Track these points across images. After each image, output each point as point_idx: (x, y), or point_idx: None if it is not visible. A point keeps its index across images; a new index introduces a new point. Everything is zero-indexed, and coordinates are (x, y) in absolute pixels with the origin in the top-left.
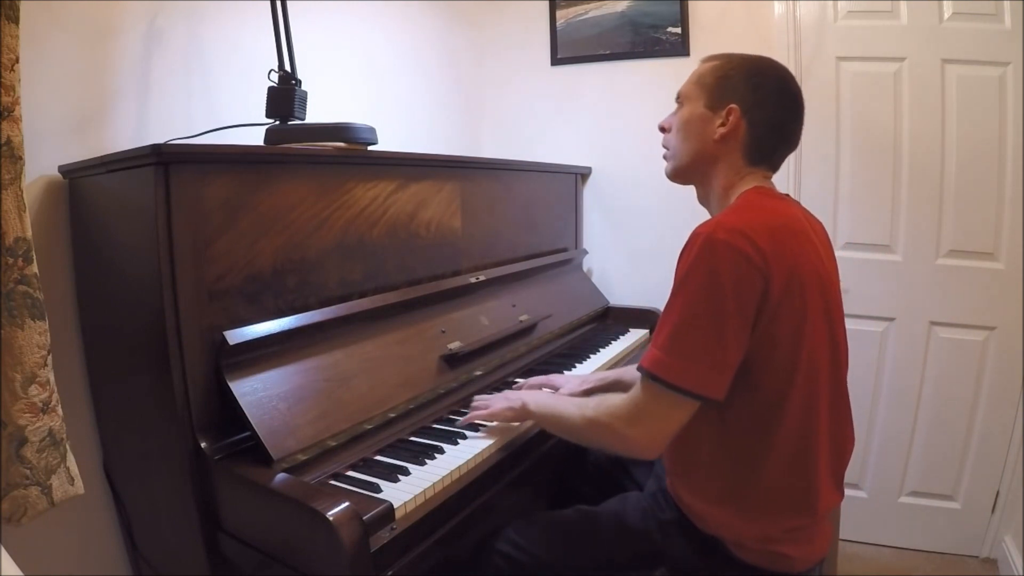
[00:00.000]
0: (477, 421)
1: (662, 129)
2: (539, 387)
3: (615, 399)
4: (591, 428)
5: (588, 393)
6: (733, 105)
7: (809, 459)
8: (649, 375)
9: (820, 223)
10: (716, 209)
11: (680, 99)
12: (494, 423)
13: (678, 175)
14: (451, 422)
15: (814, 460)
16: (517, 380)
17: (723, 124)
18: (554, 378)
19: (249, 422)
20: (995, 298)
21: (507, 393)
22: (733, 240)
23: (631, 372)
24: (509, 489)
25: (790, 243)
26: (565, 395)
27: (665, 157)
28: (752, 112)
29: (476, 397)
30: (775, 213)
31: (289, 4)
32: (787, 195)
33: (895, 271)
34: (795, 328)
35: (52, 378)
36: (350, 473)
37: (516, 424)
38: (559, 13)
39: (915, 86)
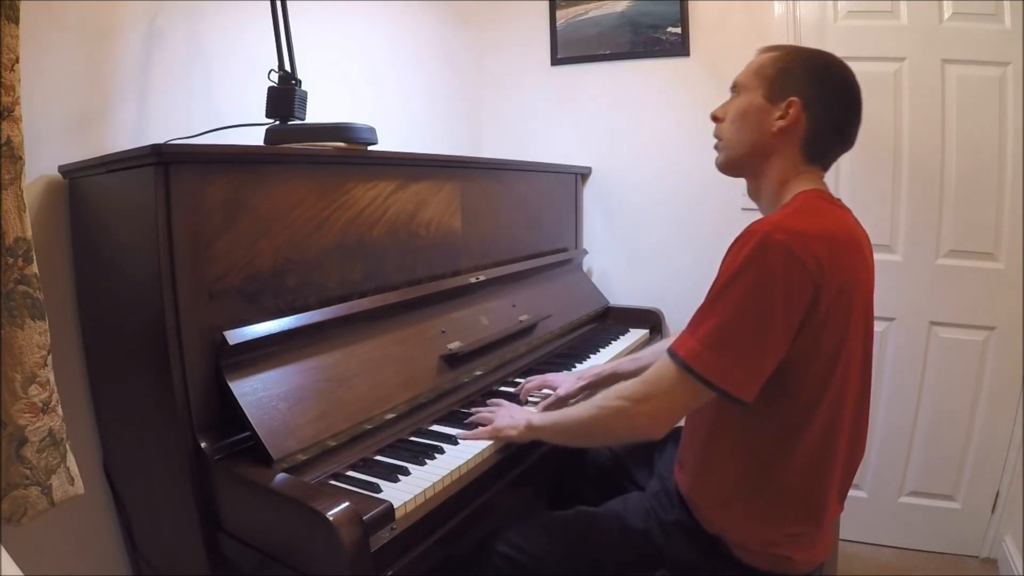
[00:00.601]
0: (480, 437)
1: (715, 118)
2: (538, 388)
3: (626, 383)
4: (600, 416)
5: (585, 388)
6: (794, 98)
7: (825, 470)
8: (684, 365)
9: (866, 232)
10: (768, 204)
11: (736, 88)
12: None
13: (731, 166)
14: (451, 422)
15: (830, 472)
16: (518, 380)
17: (782, 117)
18: (551, 378)
19: (249, 422)
20: (995, 298)
21: (511, 409)
22: (791, 244)
23: (625, 365)
24: (509, 489)
25: (845, 254)
26: (563, 394)
27: (717, 148)
28: (814, 107)
29: (475, 410)
30: (834, 221)
31: (289, 4)
32: (841, 201)
33: (895, 271)
34: (837, 341)
35: (52, 378)
36: (350, 473)
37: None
38: (559, 13)
39: (915, 86)
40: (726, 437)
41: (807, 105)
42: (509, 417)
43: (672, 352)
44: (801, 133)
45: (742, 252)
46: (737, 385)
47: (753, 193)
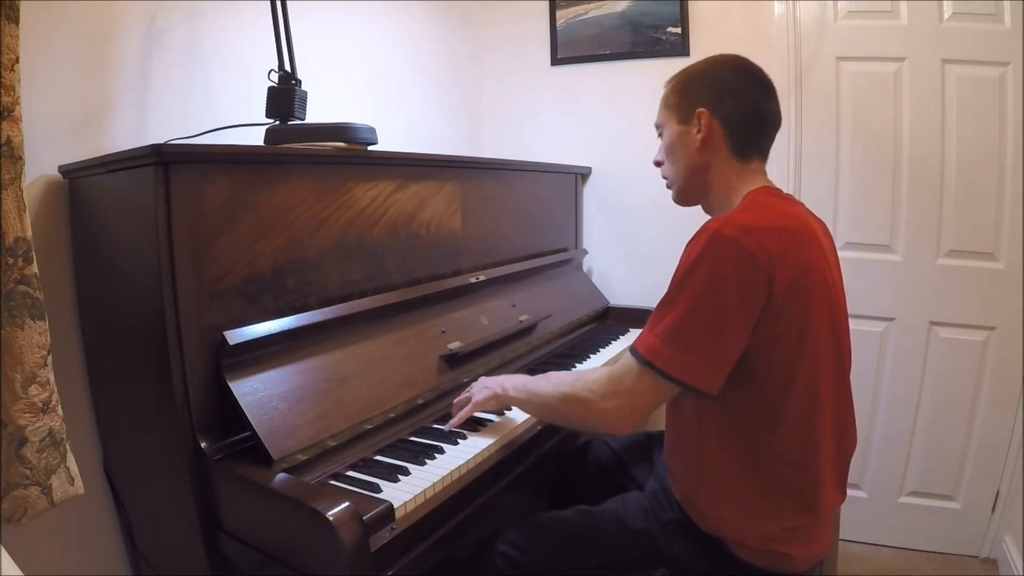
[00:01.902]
0: (466, 416)
1: (657, 163)
2: None
3: (593, 374)
4: (567, 403)
5: None
6: (700, 108)
7: (811, 458)
8: (644, 361)
9: (822, 223)
10: (722, 212)
11: (659, 128)
12: (492, 417)
13: (683, 196)
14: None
15: (816, 459)
16: None
17: (699, 131)
18: (551, 375)
19: (249, 422)
20: (995, 298)
21: (485, 380)
22: (740, 238)
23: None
24: (509, 489)
25: (797, 244)
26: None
27: (668, 187)
28: (719, 107)
29: (462, 395)
30: (783, 214)
31: (289, 4)
32: (792, 196)
33: (895, 271)
34: (799, 329)
35: (52, 378)
36: (350, 473)
37: (516, 423)
38: (559, 13)
39: (915, 86)
40: (711, 435)
41: (713, 108)
42: (484, 388)
43: (633, 349)
44: (722, 135)
45: (695, 249)
46: (699, 377)
47: (708, 210)
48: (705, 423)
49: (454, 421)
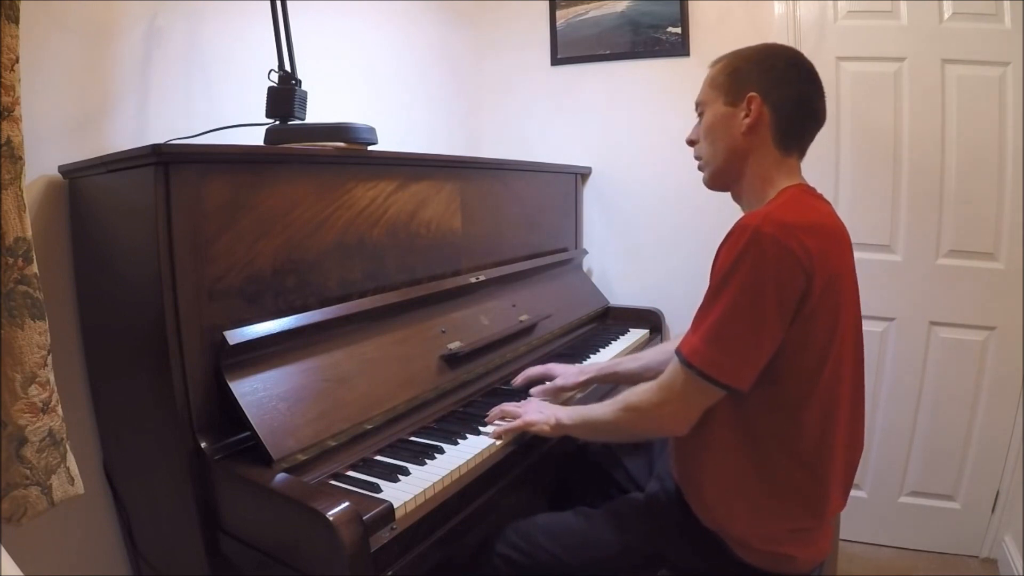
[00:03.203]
0: (510, 431)
1: (690, 143)
2: (540, 375)
3: (643, 385)
4: (625, 412)
5: (587, 383)
6: (752, 93)
7: (824, 462)
8: (686, 362)
9: (845, 228)
10: (753, 204)
11: (700, 107)
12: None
13: (715, 180)
14: (451, 422)
15: (829, 462)
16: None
17: (747, 115)
18: (552, 367)
19: (249, 422)
20: (995, 298)
21: (538, 404)
22: (781, 236)
23: (626, 364)
24: (509, 489)
25: (832, 244)
26: (560, 384)
27: (700, 168)
28: (772, 94)
29: (509, 405)
30: (820, 213)
31: (289, 4)
32: (823, 196)
33: (895, 271)
34: (828, 331)
35: (52, 378)
36: (350, 473)
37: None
38: (559, 13)
39: (915, 86)
40: (724, 431)
41: (766, 95)
42: (539, 412)
43: (678, 351)
44: (769, 124)
45: (735, 247)
46: (734, 376)
47: (738, 198)
48: (718, 418)
49: (501, 428)
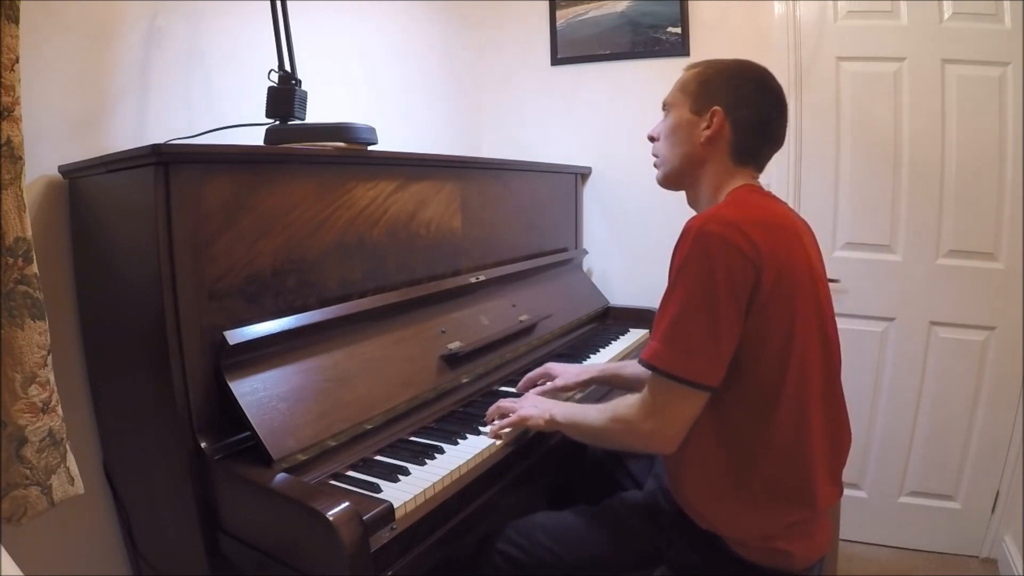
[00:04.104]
0: (507, 425)
1: (651, 138)
2: (540, 377)
3: (631, 398)
4: (613, 428)
5: (587, 383)
6: (716, 107)
7: (804, 452)
8: (649, 366)
9: (806, 222)
10: (705, 208)
11: (666, 107)
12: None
13: (669, 181)
14: (451, 422)
15: (809, 453)
16: (518, 380)
17: (708, 127)
18: (552, 367)
19: (249, 422)
20: (995, 298)
21: (534, 399)
22: (725, 232)
23: (629, 368)
24: (509, 489)
25: (780, 238)
26: (560, 385)
27: (656, 165)
28: (735, 112)
29: (505, 402)
30: (765, 209)
31: (289, 4)
32: (774, 195)
33: (895, 271)
34: (786, 322)
35: (52, 378)
36: (350, 473)
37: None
38: (559, 13)
39: (915, 86)
40: (707, 435)
41: (729, 111)
42: (534, 407)
43: (641, 360)
44: (728, 139)
45: (682, 249)
46: (700, 373)
47: (692, 202)
48: (700, 423)
49: (498, 425)
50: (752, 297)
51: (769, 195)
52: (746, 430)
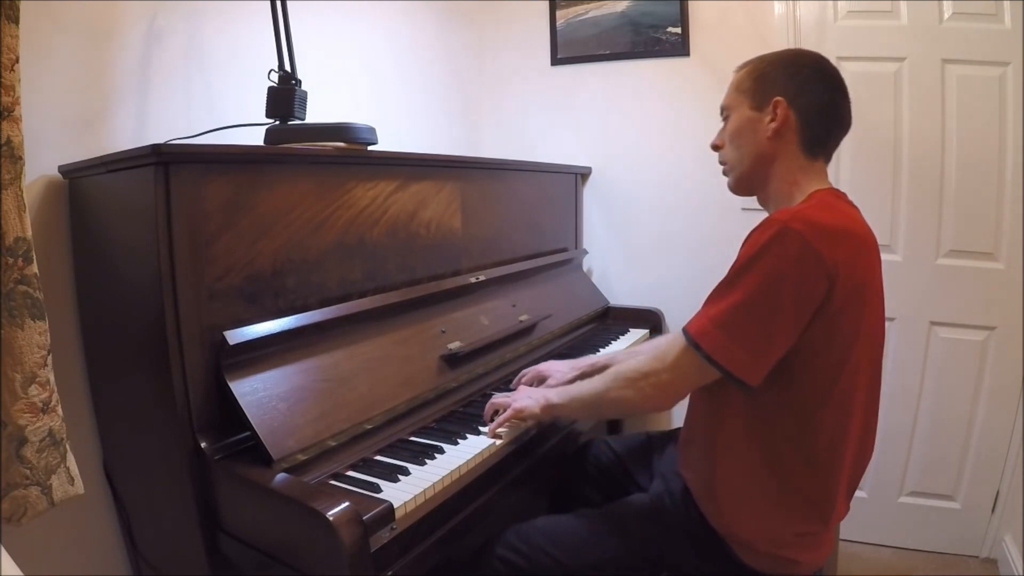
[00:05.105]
0: (504, 421)
1: (715, 147)
2: (533, 379)
3: (639, 358)
4: (612, 388)
5: (577, 377)
6: (778, 97)
7: (834, 469)
8: (692, 341)
9: (874, 236)
10: (781, 206)
11: (725, 111)
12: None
13: (741, 184)
14: (451, 422)
15: (839, 470)
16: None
17: (772, 119)
18: (543, 367)
19: (249, 422)
20: (995, 298)
21: (527, 390)
22: (808, 234)
23: (620, 358)
24: (509, 489)
25: (861, 251)
26: (553, 384)
27: (725, 173)
28: (797, 99)
29: (499, 397)
30: (850, 218)
31: (289, 4)
32: (853, 203)
33: (895, 271)
34: (850, 338)
35: (52, 378)
36: (350, 473)
37: (519, 423)
38: (559, 13)
39: (915, 86)
40: (736, 431)
41: (791, 99)
42: (528, 398)
43: (684, 330)
44: (795, 128)
45: (761, 238)
46: (740, 366)
47: (764, 203)
48: (731, 418)
49: (491, 427)
50: (820, 308)
51: (850, 202)
52: (782, 437)
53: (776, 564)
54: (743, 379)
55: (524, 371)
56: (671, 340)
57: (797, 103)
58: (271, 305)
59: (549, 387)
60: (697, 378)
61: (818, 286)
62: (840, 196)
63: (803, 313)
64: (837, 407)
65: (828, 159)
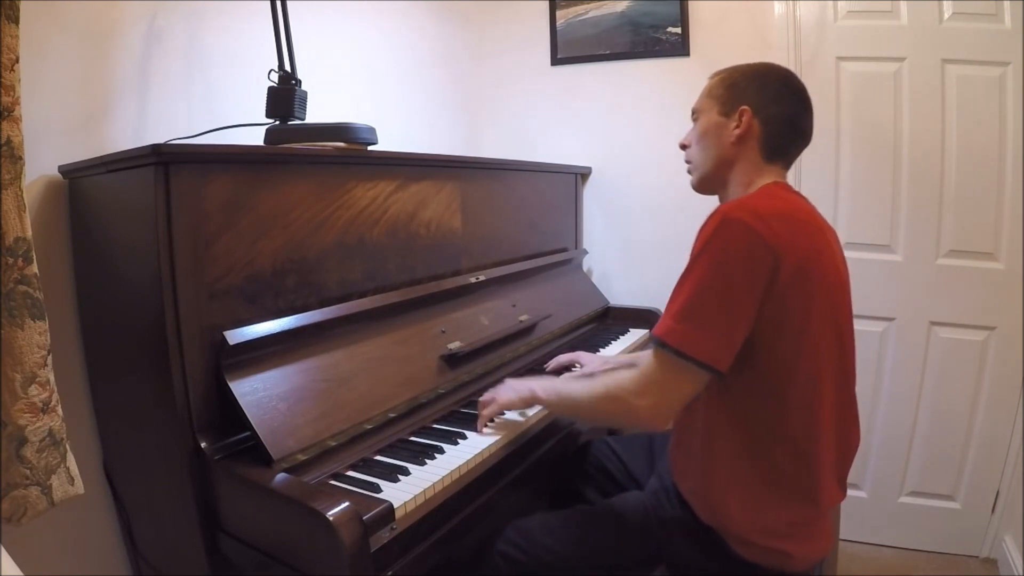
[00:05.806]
0: (489, 416)
1: (682, 146)
2: (568, 363)
3: (624, 373)
4: (601, 402)
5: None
6: (744, 106)
7: (812, 451)
8: (659, 342)
9: (830, 226)
10: None
11: (695, 114)
12: (502, 417)
13: (703, 184)
14: (451, 422)
15: (816, 453)
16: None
17: (738, 126)
18: (580, 354)
19: (249, 422)
20: (995, 298)
21: (511, 382)
22: (748, 219)
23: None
24: (509, 489)
25: (804, 234)
26: (588, 373)
27: (689, 171)
28: (763, 110)
29: (485, 395)
30: (793, 205)
31: (289, 4)
32: (802, 195)
33: (895, 271)
34: (801, 317)
35: (52, 378)
36: (350, 473)
37: (519, 421)
38: (559, 13)
39: (915, 86)
40: (717, 425)
41: (757, 110)
42: (511, 390)
43: (652, 335)
44: (758, 136)
45: (706, 231)
46: (709, 354)
47: (724, 201)
48: (711, 412)
49: (480, 422)
50: (769, 287)
51: (797, 193)
52: (755, 421)
53: (770, 557)
54: (712, 365)
55: (558, 356)
56: (650, 355)
57: (762, 113)
58: (271, 305)
59: (584, 375)
60: (684, 387)
61: (764, 262)
62: (786, 187)
63: (755, 290)
64: (806, 381)
65: (787, 166)
